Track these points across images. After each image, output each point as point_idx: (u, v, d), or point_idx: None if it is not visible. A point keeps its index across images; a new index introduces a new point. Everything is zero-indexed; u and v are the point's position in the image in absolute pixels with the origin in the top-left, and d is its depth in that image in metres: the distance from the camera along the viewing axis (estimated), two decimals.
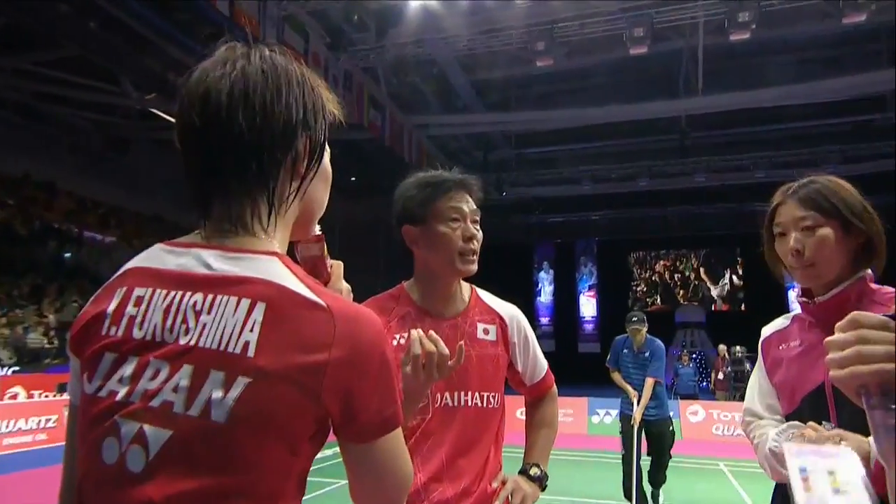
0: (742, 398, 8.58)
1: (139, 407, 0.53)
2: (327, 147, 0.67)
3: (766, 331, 1.16)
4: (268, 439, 0.52)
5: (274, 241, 0.61)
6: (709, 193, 14.04)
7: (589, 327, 17.62)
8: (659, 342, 4.00)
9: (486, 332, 1.20)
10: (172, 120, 0.60)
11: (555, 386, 1.32)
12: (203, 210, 0.60)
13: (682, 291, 18.16)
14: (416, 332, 0.93)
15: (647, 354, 3.97)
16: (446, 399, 1.13)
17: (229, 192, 0.59)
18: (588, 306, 17.93)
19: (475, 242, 1.16)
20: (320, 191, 0.67)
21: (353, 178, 12.03)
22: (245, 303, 0.54)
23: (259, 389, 0.51)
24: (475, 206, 1.19)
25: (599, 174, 13.18)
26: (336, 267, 0.75)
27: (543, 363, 1.30)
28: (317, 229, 0.71)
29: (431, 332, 0.94)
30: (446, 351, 0.93)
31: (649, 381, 3.92)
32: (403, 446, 0.60)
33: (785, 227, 1.08)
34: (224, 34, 0.63)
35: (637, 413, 3.92)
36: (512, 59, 9.61)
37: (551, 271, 18.40)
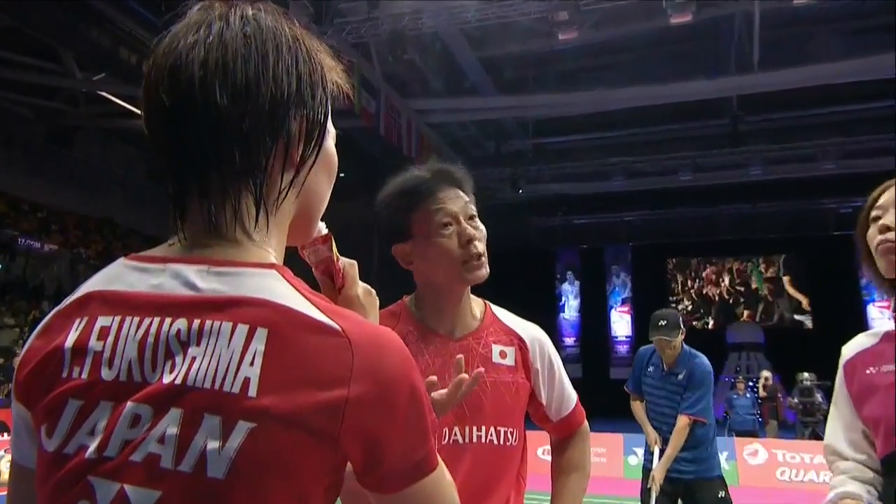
0: (813, 436, 8.31)
1: (118, 463, 0.51)
2: (330, 127, 0.65)
3: (849, 351, 1.13)
4: (275, 495, 0.50)
5: (269, 250, 0.59)
6: (766, 189, 14.03)
7: (622, 349, 17.53)
8: (702, 359, 3.16)
9: (502, 355, 1.20)
10: (126, 105, 0.60)
11: (586, 422, 1.32)
12: (178, 213, 0.58)
13: (734, 306, 18.09)
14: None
15: (680, 377, 3.15)
16: (455, 435, 1.13)
17: (209, 188, 0.57)
18: (621, 324, 17.86)
19: (478, 243, 1.16)
20: (322, 182, 0.65)
21: (342, 175, 12.06)
22: (242, 329, 0.52)
23: (264, 436, 0.50)
24: (467, 198, 1.18)
25: (633, 167, 13.19)
26: (349, 268, 0.74)
27: (572, 395, 1.30)
28: (322, 227, 0.70)
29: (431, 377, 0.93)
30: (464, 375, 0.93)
31: (682, 421, 3.07)
32: (445, 492, 0.59)
33: (885, 206, 1.05)
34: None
35: (658, 470, 3.07)
36: (528, 33, 9.64)
37: (577, 283, 18.38)
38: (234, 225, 0.58)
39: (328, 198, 0.67)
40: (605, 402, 12.63)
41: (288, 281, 0.56)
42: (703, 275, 18.48)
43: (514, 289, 16.10)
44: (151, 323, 0.54)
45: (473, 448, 1.13)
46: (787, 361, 12.30)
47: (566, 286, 18.46)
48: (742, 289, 18.22)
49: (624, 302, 18.03)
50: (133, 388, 0.52)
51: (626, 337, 17.69)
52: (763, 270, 18.15)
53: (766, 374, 10.25)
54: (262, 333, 0.52)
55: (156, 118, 0.57)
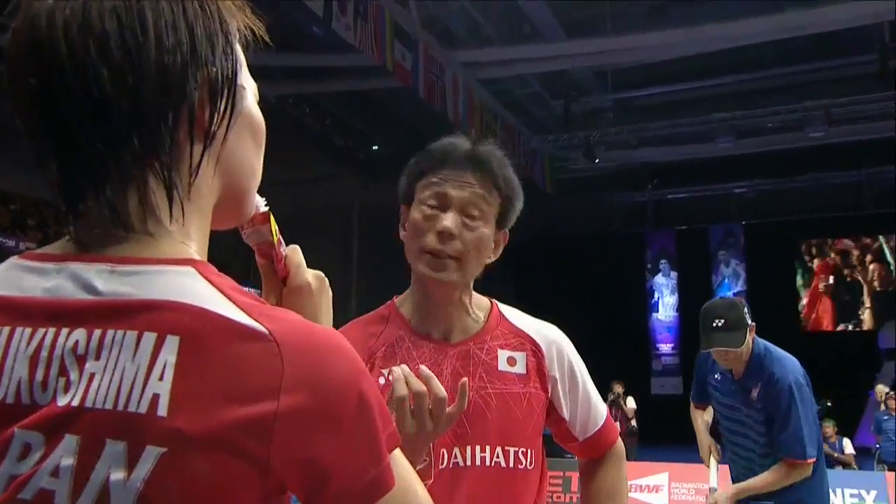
0: None
1: (4, 500, 0.53)
2: (247, 81, 0.67)
3: None
4: None
5: (186, 241, 0.61)
6: None
7: None
8: (780, 368, 2.68)
9: (511, 362, 1.24)
10: None
11: (620, 441, 1.37)
12: (71, 204, 0.59)
13: (885, 301, 17.32)
14: (400, 369, 0.97)
15: (754, 393, 2.72)
16: (455, 457, 1.16)
17: (105, 174, 0.58)
18: None
19: (453, 243, 1.18)
20: (247, 148, 0.67)
21: (376, 147, 12.27)
22: (149, 338, 0.54)
23: (178, 462, 0.51)
24: (483, 192, 1.21)
25: (745, 124, 12.78)
26: (293, 254, 0.76)
27: (601, 408, 1.34)
28: (261, 203, 0.72)
29: (423, 368, 0.98)
30: (442, 393, 0.95)
31: (782, 469, 2.65)
32: None
33: None
34: None
35: (727, 499, 2.77)
36: None
37: (673, 274, 17.99)
38: (141, 214, 0.59)
39: (260, 166, 0.69)
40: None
41: (207, 278, 0.58)
42: (845, 261, 17.75)
43: (592, 284, 15.91)
44: (45, 334, 0.55)
45: (477, 472, 1.16)
46: None
47: (660, 279, 18.09)
48: (882, 277, 17.42)
49: (737, 296, 17.59)
50: (21, 412, 0.54)
51: None
52: None
53: (881, 388, 9.78)
54: (172, 342, 0.54)
55: (27, 104, 0.58)
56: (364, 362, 1.17)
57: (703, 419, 3.13)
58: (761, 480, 2.73)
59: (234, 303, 0.57)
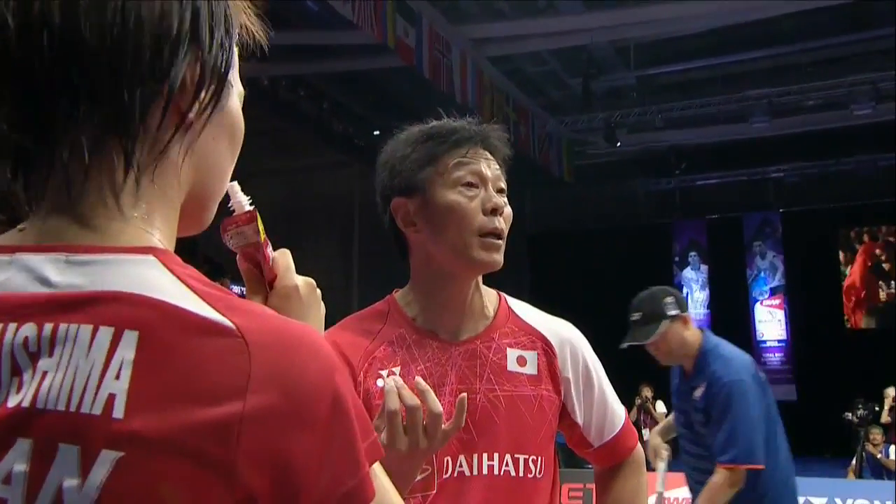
0: None
1: None
2: (237, 83, 0.68)
3: None
4: None
5: (149, 229, 0.61)
6: None
7: (774, 359, 17.00)
8: (723, 365, 2.66)
9: (521, 361, 1.25)
10: None
11: (640, 447, 1.38)
12: (26, 187, 0.60)
13: None
14: (392, 381, 0.99)
15: (697, 394, 2.70)
16: (460, 466, 1.17)
17: (66, 150, 0.58)
18: (771, 324, 17.28)
19: (501, 220, 1.21)
20: (221, 151, 0.68)
21: (377, 133, 12.26)
22: (105, 334, 0.54)
23: (135, 468, 0.52)
24: (499, 171, 1.25)
25: (783, 101, 12.71)
26: (281, 257, 0.77)
27: (619, 411, 1.35)
28: (245, 202, 0.72)
29: (419, 380, 0.99)
30: (438, 408, 0.97)
31: (718, 476, 2.59)
32: None
33: None
34: None
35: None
36: None
37: (703, 268, 17.87)
38: (102, 198, 0.59)
39: (230, 173, 0.70)
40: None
41: (170, 268, 0.58)
42: (894, 251, 17.62)
43: (615, 279, 15.88)
44: None
45: (484, 482, 1.17)
46: None
47: (688, 273, 17.98)
48: None
49: (774, 293, 17.43)
50: None
51: (779, 342, 17.12)
52: None
53: (891, 390, 9.71)
54: (130, 337, 0.54)
55: None
56: (362, 363, 1.20)
57: (663, 424, 3.10)
58: (701, 499, 2.65)
59: (199, 295, 0.57)
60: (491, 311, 1.29)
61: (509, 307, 1.32)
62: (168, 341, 0.54)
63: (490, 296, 1.31)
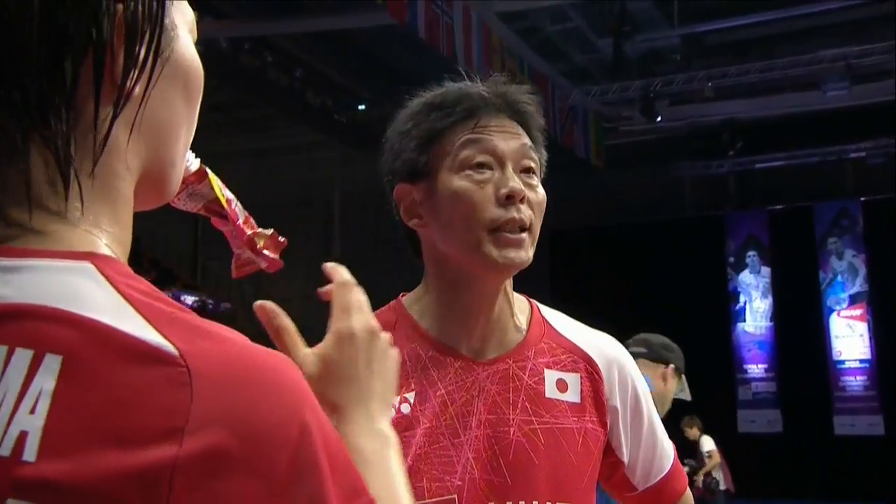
0: None
1: None
2: (181, 12, 0.68)
3: None
4: None
5: (94, 230, 0.62)
6: None
7: (856, 384, 16.96)
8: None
9: (561, 386, 1.24)
10: None
11: (689, 492, 1.39)
12: None
13: None
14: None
15: None
16: None
17: None
18: (850, 340, 17.28)
19: (522, 207, 1.18)
20: (175, 107, 0.68)
21: (362, 107, 12.26)
22: (23, 357, 0.54)
23: None
24: (527, 141, 1.23)
25: (864, 64, 12.72)
26: (341, 292, 0.79)
27: (668, 448, 1.36)
28: (192, 160, 0.74)
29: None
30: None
31: None
32: None
33: None
34: None
35: None
36: None
37: (766, 270, 17.82)
38: (29, 195, 0.59)
39: (192, 126, 0.70)
40: (829, 473, 12.32)
41: (108, 278, 0.58)
42: None
43: (654, 284, 15.93)
44: None
45: None
46: None
47: (746, 277, 17.95)
48: None
49: (854, 301, 17.40)
50: None
51: (861, 363, 17.10)
52: None
53: None
54: (52, 363, 0.54)
55: None
56: None
57: None
58: None
59: (141, 312, 0.57)
60: (524, 323, 1.28)
61: (544, 318, 1.31)
62: (95, 369, 0.54)
63: (521, 303, 1.31)
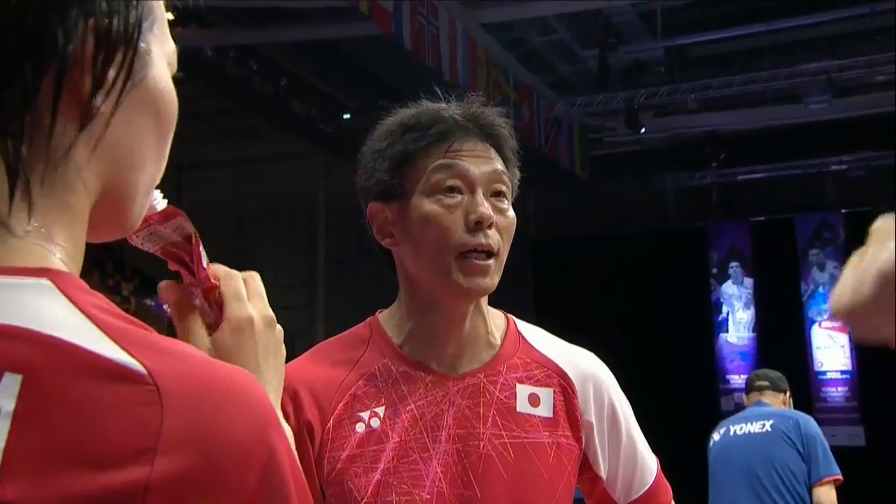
0: None
1: None
2: (161, 43, 0.67)
3: None
4: None
5: (48, 245, 0.60)
6: None
7: (836, 395, 17.00)
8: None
9: (533, 400, 1.25)
10: None
11: None
12: None
13: None
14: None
15: None
16: None
17: None
18: (832, 351, 17.31)
19: (490, 233, 1.20)
20: (142, 134, 0.67)
21: (347, 116, 12.26)
22: None
23: None
24: (499, 166, 1.24)
25: (846, 77, 12.82)
26: (229, 280, 0.77)
27: (650, 462, 1.36)
28: (159, 200, 0.72)
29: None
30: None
31: None
32: None
33: None
34: None
35: None
36: None
37: (748, 281, 17.83)
38: None
39: (161, 158, 0.69)
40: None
41: (67, 294, 0.57)
42: None
43: (637, 296, 15.95)
44: None
45: None
46: None
47: (729, 288, 17.95)
48: None
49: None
50: None
51: (842, 374, 17.19)
52: None
53: None
54: (11, 383, 0.53)
55: None
56: (335, 402, 1.19)
57: None
58: None
59: (103, 329, 0.56)
60: (497, 337, 1.29)
61: (519, 333, 1.31)
62: (58, 388, 0.53)
63: (496, 318, 1.32)
